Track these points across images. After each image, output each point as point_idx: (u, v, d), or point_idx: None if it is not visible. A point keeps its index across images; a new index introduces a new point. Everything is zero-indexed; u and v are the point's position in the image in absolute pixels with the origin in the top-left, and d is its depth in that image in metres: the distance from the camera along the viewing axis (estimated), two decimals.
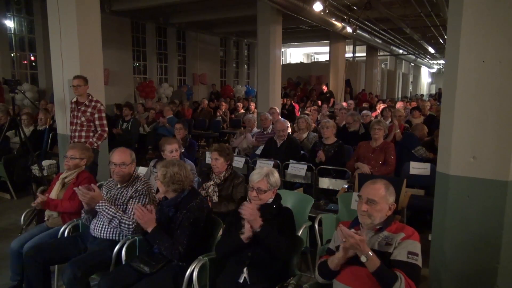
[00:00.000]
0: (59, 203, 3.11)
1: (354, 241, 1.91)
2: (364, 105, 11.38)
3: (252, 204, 2.30)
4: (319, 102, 12.09)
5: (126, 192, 2.86)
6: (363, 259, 1.92)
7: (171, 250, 2.43)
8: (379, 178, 2.25)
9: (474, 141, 2.59)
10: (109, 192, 2.93)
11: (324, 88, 12.95)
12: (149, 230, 2.49)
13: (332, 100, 11.64)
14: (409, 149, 4.88)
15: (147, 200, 2.84)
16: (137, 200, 2.80)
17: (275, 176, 2.50)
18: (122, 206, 2.82)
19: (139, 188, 2.86)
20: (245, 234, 2.31)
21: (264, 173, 2.46)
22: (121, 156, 2.84)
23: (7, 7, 10.19)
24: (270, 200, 2.49)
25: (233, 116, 10.95)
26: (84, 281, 2.57)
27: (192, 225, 2.47)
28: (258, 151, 5.49)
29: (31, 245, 2.86)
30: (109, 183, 3.03)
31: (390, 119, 7.09)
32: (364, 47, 18.59)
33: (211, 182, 3.40)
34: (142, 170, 4.05)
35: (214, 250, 2.48)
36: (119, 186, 2.90)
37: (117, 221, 2.71)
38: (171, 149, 3.65)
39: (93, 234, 2.81)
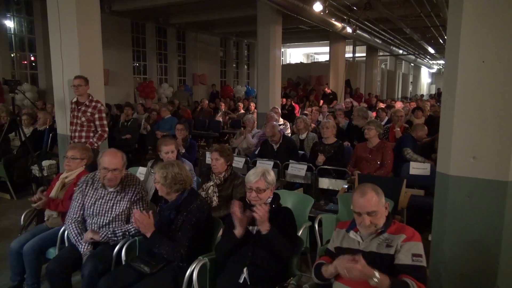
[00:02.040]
0: (60, 202, 3.11)
1: (358, 273, 1.82)
2: (362, 105, 11.34)
3: (266, 207, 2.29)
4: (321, 102, 12.06)
5: (124, 196, 2.79)
6: (372, 282, 1.83)
7: (172, 253, 2.43)
8: (369, 183, 2.16)
9: (474, 141, 2.58)
10: (94, 193, 2.81)
11: (327, 90, 12.91)
12: (148, 235, 2.47)
13: (334, 102, 11.63)
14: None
15: (146, 204, 2.85)
16: (140, 203, 2.81)
17: (271, 175, 2.50)
18: (122, 214, 2.77)
19: (136, 191, 2.82)
20: (237, 230, 2.31)
21: (261, 172, 2.46)
22: (113, 161, 2.69)
23: (7, 7, 10.19)
24: (269, 200, 2.50)
25: (228, 119, 10.81)
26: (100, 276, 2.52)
27: (193, 227, 2.47)
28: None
29: (35, 247, 2.85)
30: (92, 185, 2.84)
31: (385, 119, 7.13)
32: (364, 47, 18.59)
33: (211, 183, 3.39)
34: (142, 170, 4.05)
35: (215, 252, 2.48)
36: (110, 190, 2.79)
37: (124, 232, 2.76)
38: (167, 150, 3.64)
39: None
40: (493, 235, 2.59)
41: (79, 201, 2.84)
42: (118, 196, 2.79)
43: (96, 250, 2.68)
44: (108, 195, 2.79)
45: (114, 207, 2.77)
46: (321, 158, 4.61)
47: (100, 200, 2.78)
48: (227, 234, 2.47)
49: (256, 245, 2.33)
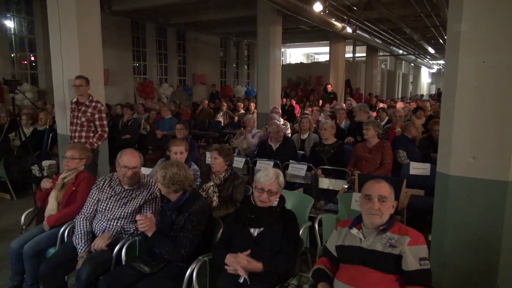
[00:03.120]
0: (60, 214, 3.07)
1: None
2: None
3: (242, 262, 2.23)
4: (321, 102, 12.04)
5: (139, 194, 2.85)
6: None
7: (173, 253, 2.44)
8: (378, 178, 2.25)
9: (474, 141, 2.59)
10: (110, 189, 2.87)
11: (329, 87, 12.92)
12: (149, 234, 2.51)
13: (334, 102, 11.63)
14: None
15: (158, 204, 2.89)
16: (152, 204, 2.87)
17: (282, 177, 2.56)
18: (133, 213, 2.80)
19: (151, 191, 2.89)
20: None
21: (275, 175, 2.49)
22: (132, 160, 2.83)
23: (7, 7, 10.19)
24: (276, 203, 2.51)
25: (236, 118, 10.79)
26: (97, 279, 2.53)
27: (194, 228, 2.48)
28: None
29: (34, 248, 2.84)
30: (110, 182, 2.92)
31: (385, 120, 7.14)
32: (364, 47, 18.58)
33: (211, 183, 3.40)
34: (143, 170, 4.04)
35: (212, 253, 2.47)
36: (126, 187, 2.86)
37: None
38: (176, 151, 3.68)
39: (96, 234, 2.81)
40: (493, 235, 2.59)
41: (94, 197, 2.90)
42: (133, 194, 2.86)
43: (94, 253, 2.67)
44: (124, 193, 2.85)
45: (128, 203, 2.83)
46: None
47: (115, 197, 2.84)
48: (227, 238, 2.48)
49: (256, 246, 2.33)
